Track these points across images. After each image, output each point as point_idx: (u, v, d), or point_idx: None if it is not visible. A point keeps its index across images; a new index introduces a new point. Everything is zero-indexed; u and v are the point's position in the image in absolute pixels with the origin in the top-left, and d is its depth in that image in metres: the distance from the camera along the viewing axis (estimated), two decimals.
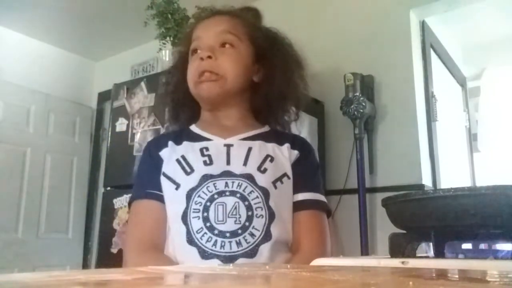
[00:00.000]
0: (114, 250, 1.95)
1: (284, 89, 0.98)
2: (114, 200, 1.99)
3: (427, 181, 2.06)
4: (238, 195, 0.85)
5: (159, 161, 0.92)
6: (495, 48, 3.12)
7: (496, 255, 0.55)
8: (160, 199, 0.89)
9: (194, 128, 0.97)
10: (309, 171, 0.96)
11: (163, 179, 0.89)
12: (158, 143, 0.96)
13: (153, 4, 2.21)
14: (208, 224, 0.83)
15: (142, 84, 2.57)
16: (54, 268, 3.10)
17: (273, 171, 0.90)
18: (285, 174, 0.91)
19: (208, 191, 0.85)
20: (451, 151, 2.57)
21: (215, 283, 0.32)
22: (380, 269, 0.41)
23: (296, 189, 0.92)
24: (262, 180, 0.88)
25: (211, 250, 0.82)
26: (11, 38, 3.21)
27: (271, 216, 0.86)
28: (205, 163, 0.88)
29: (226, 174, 0.87)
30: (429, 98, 2.22)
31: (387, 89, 2.19)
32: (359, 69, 2.13)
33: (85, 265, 3.27)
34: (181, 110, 1.03)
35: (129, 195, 0.96)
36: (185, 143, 0.92)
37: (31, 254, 3.02)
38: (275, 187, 0.88)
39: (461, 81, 3.07)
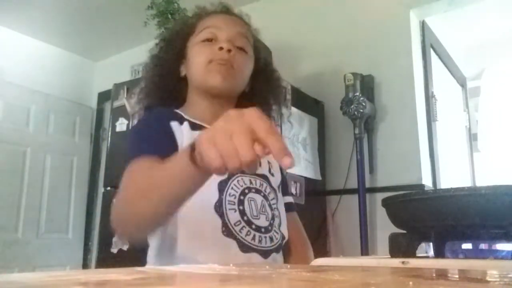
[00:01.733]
0: (114, 250, 1.94)
1: (268, 104, 1.00)
2: (114, 200, 1.98)
3: (427, 181, 2.06)
4: (262, 193, 0.88)
5: (170, 131, 0.83)
6: (495, 48, 3.12)
7: (496, 255, 0.55)
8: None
9: (185, 116, 0.89)
10: (285, 175, 1.04)
11: None
12: (167, 115, 0.87)
13: (153, 4, 2.21)
14: (245, 218, 0.83)
15: (142, 84, 2.57)
16: (54, 268, 3.10)
17: (277, 176, 0.95)
18: (282, 179, 0.97)
19: (239, 185, 0.86)
20: (451, 151, 2.57)
21: (215, 283, 0.32)
22: (380, 269, 0.41)
23: (283, 193, 0.99)
24: (273, 182, 0.92)
25: (251, 243, 0.82)
26: (11, 38, 3.21)
27: (282, 217, 0.92)
28: None
29: None
30: (429, 98, 2.22)
31: (387, 89, 2.19)
32: (359, 69, 2.13)
33: (85, 265, 3.27)
34: (167, 92, 0.96)
35: None
36: (199, 132, 0.83)
37: (31, 254, 3.02)
38: (279, 190, 0.95)
39: (461, 81, 3.07)
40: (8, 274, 0.34)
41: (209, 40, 0.90)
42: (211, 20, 0.93)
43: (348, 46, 2.34)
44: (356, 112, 2.02)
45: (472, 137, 3.11)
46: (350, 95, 2.05)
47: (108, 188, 2.10)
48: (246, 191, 0.86)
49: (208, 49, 0.88)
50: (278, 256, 0.87)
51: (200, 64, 0.88)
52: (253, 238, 0.82)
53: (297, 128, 2.05)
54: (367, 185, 2.07)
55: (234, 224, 0.82)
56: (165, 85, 0.96)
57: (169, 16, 2.25)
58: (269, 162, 0.95)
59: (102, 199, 2.25)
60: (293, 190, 1.91)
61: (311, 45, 2.43)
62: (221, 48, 0.87)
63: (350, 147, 2.15)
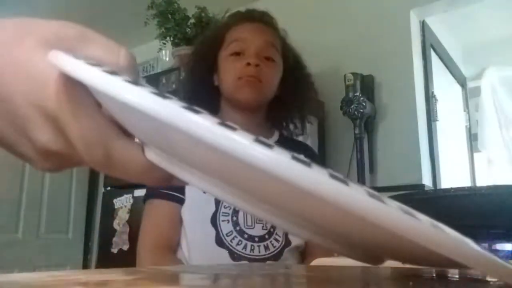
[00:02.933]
0: (114, 250, 1.95)
1: (300, 107, 1.04)
2: (114, 200, 1.99)
3: (427, 181, 2.06)
4: None
5: None
6: (495, 48, 3.12)
7: (496, 255, 0.55)
8: (179, 201, 0.90)
9: None
10: None
11: None
12: None
13: (153, 4, 2.21)
14: (238, 228, 0.87)
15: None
16: (54, 268, 3.10)
17: None
18: None
19: None
20: (451, 151, 2.57)
21: (215, 283, 0.33)
22: (380, 269, 0.41)
23: None
24: None
25: (241, 252, 0.85)
26: None
27: None
28: None
29: None
30: (429, 98, 2.22)
31: (387, 89, 2.19)
32: (359, 69, 2.13)
33: (85, 265, 3.27)
34: (199, 104, 1.01)
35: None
36: None
37: (31, 254, 3.02)
38: None
39: (461, 81, 3.07)
40: (8, 274, 0.34)
41: (237, 53, 0.94)
42: (238, 32, 0.97)
43: (348, 46, 2.34)
44: (356, 112, 2.02)
45: (472, 137, 3.11)
46: (350, 95, 2.05)
47: (108, 188, 2.10)
48: None
49: (237, 65, 0.92)
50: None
51: (230, 80, 0.94)
52: (245, 247, 0.86)
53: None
54: (367, 185, 2.07)
55: (226, 235, 0.86)
56: (200, 96, 1.01)
57: (169, 16, 2.25)
58: None
59: (102, 199, 2.25)
60: None
61: (311, 45, 2.42)
62: (248, 64, 0.91)
63: (350, 147, 2.15)
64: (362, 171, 2.05)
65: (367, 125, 2.13)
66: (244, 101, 0.93)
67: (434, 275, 0.35)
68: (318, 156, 1.09)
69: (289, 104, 1.02)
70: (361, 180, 2.03)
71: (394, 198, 0.65)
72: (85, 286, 0.26)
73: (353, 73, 2.08)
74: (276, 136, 1.02)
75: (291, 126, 1.07)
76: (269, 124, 1.05)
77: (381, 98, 2.19)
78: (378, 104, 2.17)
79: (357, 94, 2.04)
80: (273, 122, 1.05)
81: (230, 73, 0.94)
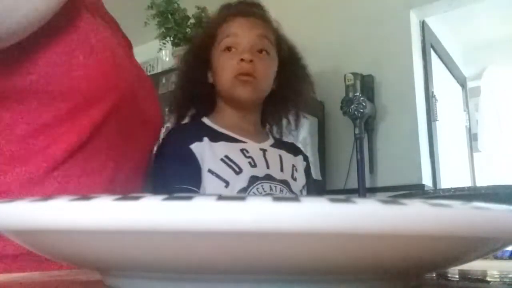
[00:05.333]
0: None
1: (295, 100, 1.00)
2: None
3: (427, 181, 2.06)
4: None
5: (191, 155, 0.86)
6: (495, 48, 3.12)
7: (496, 255, 0.54)
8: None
9: (211, 124, 0.94)
10: (312, 183, 1.02)
11: (208, 176, 0.85)
12: (187, 135, 0.90)
13: (153, 4, 2.21)
14: None
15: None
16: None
17: (300, 181, 0.94)
18: (305, 185, 0.95)
19: (258, 192, 0.85)
20: (451, 151, 2.57)
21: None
22: None
23: None
24: (295, 188, 0.91)
25: None
26: None
27: None
28: (250, 164, 0.88)
29: (268, 177, 0.88)
30: (429, 98, 2.22)
31: (387, 89, 2.19)
32: (359, 69, 2.13)
33: None
34: (194, 102, 1.00)
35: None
36: (222, 142, 0.89)
37: None
38: (302, 194, 0.94)
39: (461, 81, 3.07)
40: (8, 274, 0.34)
41: (229, 49, 0.92)
42: (229, 27, 0.94)
43: (348, 46, 2.34)
44: (356, 112, 2.02)
45: (472, 137, 3.11)
46: (350, 95, 2.05)
47: None
48: None
49: (230, 62, 0.90)
50: None
51: (224, 78, 0.91)
52: None
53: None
54: (367, 185, 2.07)
55: None
56: (195, 95, 0.98)
57: (169, 16, 2.25)
58: (293, 166, 0.94)
59: None
60: None
61: (311, 45, 2.42)
62: (242, 60, 0.88)
63: (350, 147, 2.15)
64: (362, 171, 2.05)
65: (367, 125, 2.13)
66: (240, 100, 0.91)
67: (434, 275, 0.35)
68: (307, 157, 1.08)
69: (284, 98, 0.99)
70: (361, 180, 2.04)
71: (394, 198, 0.65)
72: (85, 286, 0.26)
73: (353, 73, 2.09)
74: (271, 139, 0.99)
75: (285, 122, 1.03)
76: (263, 125, 1.03)
77: (381, 98, 2.19)
78: (378, 104, 2.17)
79: (357, 94, 2.05)
80: (268, 119, 1.02)
81: (224, 71, 0.91)
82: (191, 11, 2.33)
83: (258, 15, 0.97)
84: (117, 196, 0.16)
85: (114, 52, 0.59)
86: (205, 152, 0.86)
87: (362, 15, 2.33)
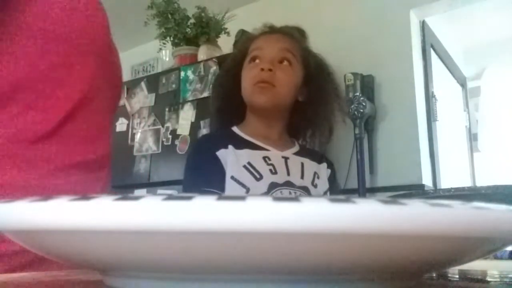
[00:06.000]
0: None
1: (325, 113, 1.04)
2: None
3: (427, 181, 2.06)
4: None
5: (217, 161, 0.92)
6: (495, 48, 3.12)
7: (496, 255, 0.54)
8: None
9: (239, 132, 0.99)
10: (337, 190, 1.05)
11: (230, 182, 0.90)
12: (214, 142, 0.96)
13: (153, 4, 2.21)
14: None
15: (142, 84, 2.57)
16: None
17: (321, 187, 0.96)
18: (327, 191, 0.98)
19: None
20: (451, 151, 2.57)
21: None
22: None
23: None
24: (315, 193, 0.94)
25: None
26: None
27: None
28: (271, 171, 0.92)
29: (288, 184, 0.91)
30: (429, 98, 2.22)
31: (387, 89, 2.19)
32: (359, 69, 2.13)
33: None
34: (229, 112, 1.07)
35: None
36: (246, 150, 0.95)
37: None
38: None
39: (461, 81, 3.07)
40: (8, 274, 0.34)
41: (254, 60, 0.98)
42: (257, 42, 1.01)
43: (348, 46, 2.34)
44: (356, 112, 2.02)
45: (472, 137, 3.11)
46: (350, 95, 2.05)
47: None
48: None
49: (252, 72, 0.96)
50: None
51: (247, 86, 0.97)
52: None
53: None
54: (368, 185, 2.07)
55: None
56: (229, 107, 1.06)
57: (169, 16, 2.25)
58: (315, 173, 0.97)
59: None
60: None
61: (311, 45, 2.42)
62: (262, 69, 0.94)
63: (350, 147, 2.15)
64: (362, 171, 2.05)
65: (367, 125, 2.13)
66: (258, 106, 0.96)
67: (434, 275, 0.35)
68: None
69: (313, 110, 1.03)
70: (361, 180, 2.04)
71: (394, 198, 0.65)
72: (85, 286, 0.26)
73: (353, 73, 2.09)
74: (296, 147, 1.03)
75: (317, 134, 1.07)
76: (291, 134, 1.06)
77: (381, 98, 2.19)
78: (378, 104, 2.17)
79: (357, 94, 2.05)
80: (295, 130, 1.07)
81: (246, 80, 0.97)
82: (191, 11, 2.33)
83: (284, 32, 1.04)
84: (117, 196, 0.16)
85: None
86: (229, 158, 0.91)
87: (362, 15, 2.33)
